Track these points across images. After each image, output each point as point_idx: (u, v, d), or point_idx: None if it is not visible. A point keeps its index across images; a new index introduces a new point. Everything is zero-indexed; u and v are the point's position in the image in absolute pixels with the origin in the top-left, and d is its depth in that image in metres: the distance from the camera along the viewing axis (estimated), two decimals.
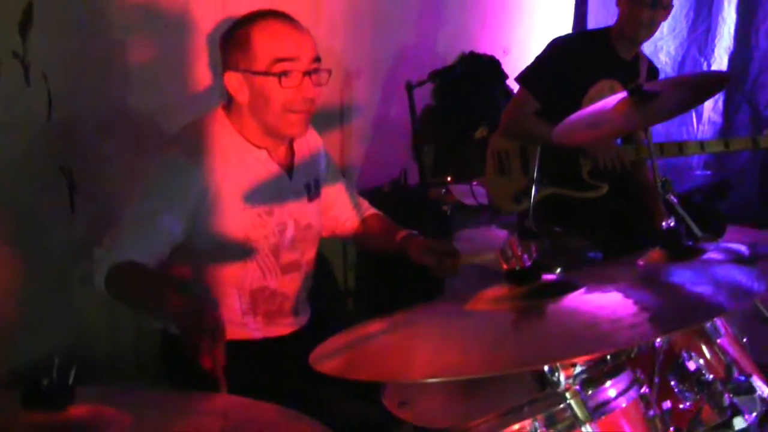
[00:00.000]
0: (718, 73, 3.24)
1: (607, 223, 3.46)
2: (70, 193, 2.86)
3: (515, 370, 1.05)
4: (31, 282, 2.80)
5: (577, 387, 1.11)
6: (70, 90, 2.80)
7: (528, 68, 3.67)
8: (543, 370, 1.12)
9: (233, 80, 2.21)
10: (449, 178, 4.38)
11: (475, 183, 4.08)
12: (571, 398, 1.11)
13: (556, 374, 1.11)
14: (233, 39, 2.21)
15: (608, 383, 1.30)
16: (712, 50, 5.60)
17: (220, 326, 1.90)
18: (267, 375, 2.15)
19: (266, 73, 2.14)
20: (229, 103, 2.29)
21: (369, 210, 2.73)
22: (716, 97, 5.58)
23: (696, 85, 2.40)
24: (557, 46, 3.61)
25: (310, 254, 2.49)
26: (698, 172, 5.68)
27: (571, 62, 3.50)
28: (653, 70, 3.70)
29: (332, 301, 3.23)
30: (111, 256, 2.09)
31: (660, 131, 5.78)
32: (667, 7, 3.45)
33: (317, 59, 2.21)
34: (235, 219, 2.25)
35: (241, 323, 2.34)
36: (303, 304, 2.51)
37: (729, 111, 5.62)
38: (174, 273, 2.28)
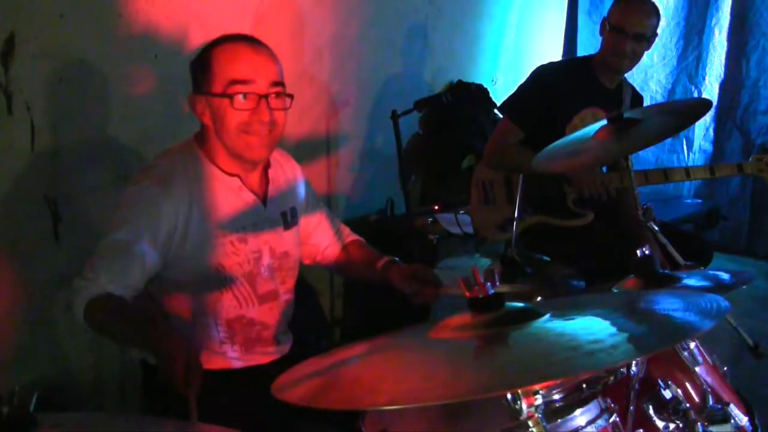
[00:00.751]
0: (701, 100, 3.23)
1: (593, 251, 3.44)
2: (54, 223, 2.87)
3: (473, 397, 1.04)
4: (14, 311, 2.80)
5: (539, 415, 1.10)
6: (53, 120, 2.81)
7: (511, 97, 3.67)
8: (506, 398, 1.10)
9: (197, 103, 2.23)
10: (436, 207, 4.39)
11: (461, 212, 4.08)
12: (533, 427, 1.10)
13: (518, 403, 1.09)
14: (198, 61, 2.23)
15: (577, 412, 1.29)
16: (703, 78, 5.64)
17: (195, 356, 1.90)
18: (246, 404, 2.14)
19: (222, 95, 2.15)
20: (201, 132, 2.30)
21: (350, 237, 2.73)
22: (707, 125, 5.63)
23: (678, 112, 2.40)
24: (540, 74, 3.61)
25: (290, 283, 2.47)
26: (688, 201, 5.69)
27: (554, 91, 3.49)
28: (637, 98, 3.70)
29: (317, 330, 3.21)
30: (89, 288, 2.08)
31: (650, 159, 5.82)
32: (650, 39, 3.45)
33: (278, 83, 2.20)
34: (208, 247, 2.23)
35: (220, 352, 2.32)
36: (284, 333, 2.49)
37: (720, 139, 5.65)
38: (149, 305, 2.28)
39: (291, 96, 2.24)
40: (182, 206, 2.18)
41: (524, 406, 1.09)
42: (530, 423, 1.10)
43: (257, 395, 2.19)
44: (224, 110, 2.16)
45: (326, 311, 4.10)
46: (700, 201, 5.65)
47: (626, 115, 2.32)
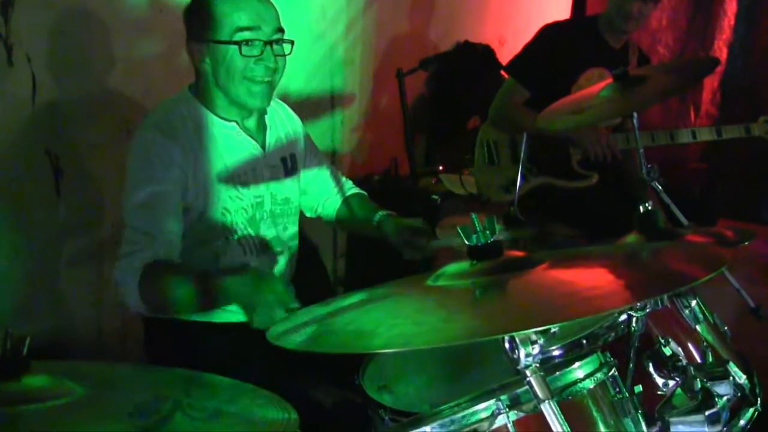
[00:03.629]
0: (708, 58, 3.21)
1: (597, 212, 3.43)
2: (55, 177, 2.85)
3: (464, 341, 1.04)
4: (16, 264, 2.79)
5: (537, 364, 1.09)
6: (55, 72, 2.78)
7: (517, 57, 3.65)
8: (504, 349, 1.10)
9: (197, 50, 2.21)
10: (440, 168, 4.37)
11: (466, 173, 4.06)
12: (531, 376, 1.10)
13: (516, 352, 1.09)
14: (196, 9, 2.22)
15: (576, 365, 1.29)
16: (712, 43, 5.57)
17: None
18: (247, 358, 2.14)
19: (228, 42, 2.15)
20: (197, 81, 2.30)
21: (351, 190, 2.73)
22: (714, 90, 5.58)
23: (684, 70, 2.37)
24: (546, 34, 3.58)
25: (291, 230, 2.48)
26: (694, 165, 5.66)
27: (560, 50, 3.48)
28: (644, 58, 3.67)
29: (320, 288, 3.20)
30: (134, 264, 2.03)
31: (656, 123, 5.78)
32: (657, 1, 3.41)
33: (280, 29, 2.21)
34: (213, 192, 2.24)
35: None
36: (287, 283, 2.49)
37: (727, 104, 5.60)
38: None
39: (292, 42, 2.25)
40: (188, 153, 2.19)
41: (522, 355, 1.08)
42: (528, 372, 1.09)
43: (258, 348, 2.21)
44: (230, 57, 2.16)
45: (329, 271, 4.10)
46: (704, 165, 5.62)
47: (631, 72, 2.29)
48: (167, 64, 3.10)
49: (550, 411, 1.11)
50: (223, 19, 2.15)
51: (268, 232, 2.38)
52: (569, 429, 1.11)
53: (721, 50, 5.56)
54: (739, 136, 3.56)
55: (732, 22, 5.50)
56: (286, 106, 2.57)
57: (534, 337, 1.07)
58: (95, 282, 2.97)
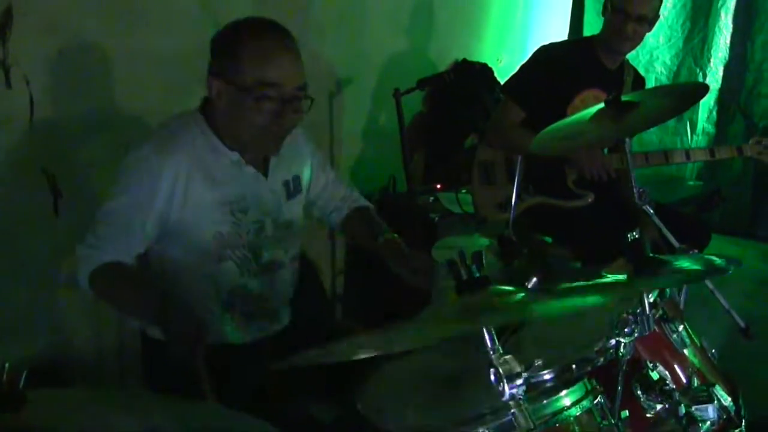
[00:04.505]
0: (698, 84, 3.25)
1: (592, 232, 3.45)
2: (53, 197, 2.87)
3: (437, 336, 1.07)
4: (14, 285, 2.82)
5: (521, 397, 1.12)
6: (53, 93, 2.81)
7: (513, 77, 3.68)
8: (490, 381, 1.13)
9: (216, 86, 2.19)
10: (438, 186, 4.40)
11: (462, 191, 4.09)
12: (515, 408, 1.12)
13: (501, 384, 1.12)
14: (225, 46, 2.19)
15: (562, 393, 1.32)
16: (708, 60, 5.61)
17: (204, 331, 1.93)
18: (244, 378, 2.17)
19: (248, 92, 2.11)
20: (209, 106, 2.28)
21: (357, 202, 2.73)
22: (711, 107, 5.62)
23: (675, 95, 2.40)
24: (542, 54, 3.61)
25: (293, 251, 2.49)
26: (690, 183, 5.70)
27: (556, 71, 3.50)
28: (639, 79, 3.70)
29: (318, 306, 3.22)
30: (92, 257, 2.14)
31: (654, 141, 5.82)
32: (652, 21, 3.44)
33: (302, 87, 2.19)
34: (207, 216, 2.25)
35: (220, 324, 2.34)
36: (284, 306, 2.52)
37: (723, 122, 5.64)
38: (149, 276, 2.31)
39: (312, 99, 2.23)
40: (181, 173, 2.19)
41: (506, 388, 1.11)
42: (512, 404, 1.12)
43: (255, 371, 2.24)
44: (246, 106, 2.14)
45: (327, 288, 4.12)
46: (701, 183, 5.66)
47: (624, 98, 2.32)
48: (165, 84, 3.12)
49: None
50: (248, 68, 2.11)
51: (269, 254, 2.39)
52: None
53: (717, 68, 5.60)
54: (731, 156, 3.59)
55: (728, 41, 5.54)
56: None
57: (518, 369, 1.10)
58: (94, 301, 2.98)
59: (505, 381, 1.10)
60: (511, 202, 3.54)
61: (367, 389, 1.96)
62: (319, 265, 3.88)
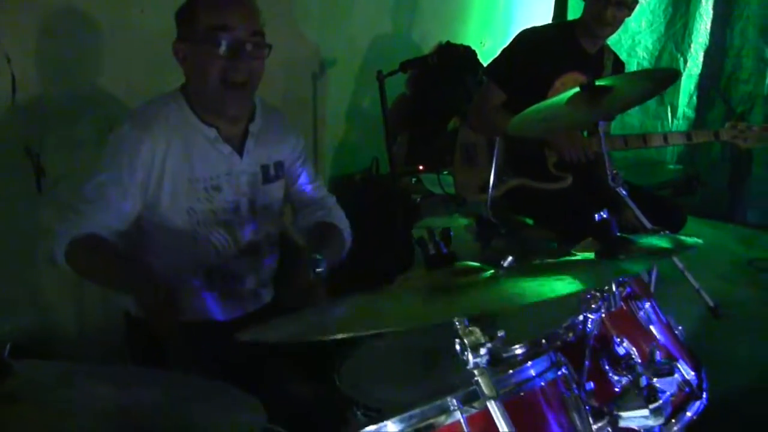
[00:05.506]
0: (670, 70, 3.32)
1: (571, 213, 3.50)
2: (36, 176, 2.89)
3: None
4: None
5: (484, 366, 1.18)
6: (36, 72, 2.83)
7: (494, 60, 3.73)
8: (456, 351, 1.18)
9: (181, 50, 2.27)
10: (420, 168, 4.44)
11: (444, 173, 4.14)
12: (479, 376, 1.18)
13: (465, 354, 1.17)
14: (183, 9, 2.28)
15: (528, 363, 1.37)
16: (689, 46, 5.70)
17: (173, 300, 2.01)
18: (224, 355, 2.20)
19: (203, 41, 2.19)
20: (186, 83, 2.35)
21: (329, 215, 2.69)
22: (691, 92, 5.70)
23: (647, 80, 2.46)
24: (523, 38, 3.66)
25: (273, 235, 2.54)
26: (670, 166, 5.77)
27: (537, 54, 3.55)
28: (619, 63, 3.76)
29: (299, 286, 3.26)
30: (70, 230, 2.17)
31: (635, 125, 5.89)
32: (631, 7, 3.49)
33: (258, 33, 2.25)
34: (181, 192, 2.30)
35: (197, 302, 2.39)
36: (265, 286, 2.56)
37: (703, 107, 5.73)
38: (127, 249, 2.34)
39: (270, 46, 2.28)
40: (159, 149, 2.24)
41: (470, 358, 1.17)
42: (476, 372, 1.17)
43: (235, 346, 2.28)
44: (204, 56, 2.20)
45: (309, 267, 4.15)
46: (680, 167, 5.73)
47: (598, 82, 2.38)
48: (150, 63, 3.13)
49: (495, 409, 1.19)
50: (201, 18, 2.20)
51: (247, 235, 2.43)
52: (513, 428, 1.19)
53: (697, 54, 5.67)
54: (708, 140, 3.65)
55: (708, 27, 5.61)
56: (281, 114, 2.60)
57: (482, 340, 1.16)
58: (76, 279, 3.01)
59: (469, 351, 1.16)
60: (493, 184, 3.61)
61: (346, 365, 2.02)
62: (299, 243, 3.91)
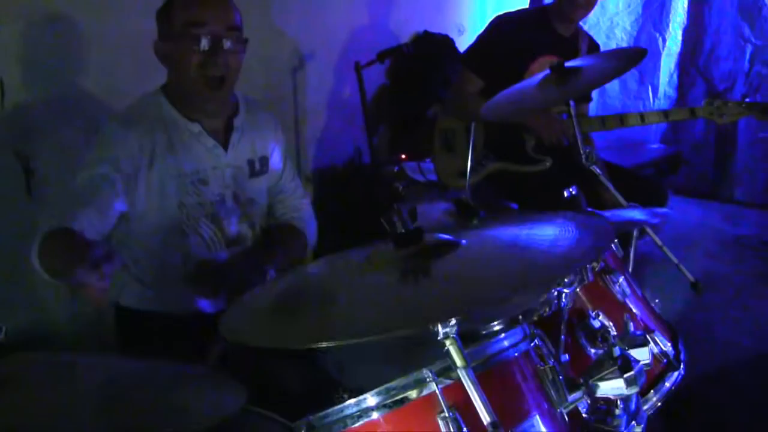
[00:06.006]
0: (636, 48, 3.38)
1: (551, 195, 3.55)
2: (26, 178, 2.94)
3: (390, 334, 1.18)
4: None
5: (454, 336, 1.23)
6: (24, 77, 2.88)
7: (470, 48, 3.78)
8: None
9: (160, 49, 2.34)
10: (403, 156, 4.49)
11: (427, 160, 4.19)
12: (450, 346, 1.24)
13: (436, 325, 1.23)
14: (161, 9, 2.34)
15: (501, 335, 1.43)
16: (667, 25, 5.74)
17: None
18: (208, 345, 2.25)
19: (180, 37, 2.25)
20: (167, 81, 2.41)
21: (287, 215, 2.73)
22: (671, 71, 5.74)
23: (614, 60, 2.52)
24: (497, 24, 3.71)
25: (259, 227, 2.58)
26: (653, 146, 5.82)
27: (511, 40, 3.60)
28: (594, 46, 3.80)
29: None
30: (42, 228, 2.06)
31: (616, 106, 5.93)
32: None
33: (233, 28, 2.30)
34: (170, 186, 2.35)
35: (187, 294, 2.43)
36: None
37: (684, 85, 5.77)
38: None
39: (246, 40, 2.34)
40: (145, 144, 2.30)
41: (440, 328, 1.23)
42: (447, 342, 1.23)
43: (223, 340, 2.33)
44: (182, 53, 2.26)
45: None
46: (663, 146, 5.79)
47: (567, 64, 2.44)
48: (134, 65, 3.16)
49: (466, 377, 1.24)
50: (178, 16, 2.26)
51: (234, 228, 2.48)
52: (486, 398, 1.24)
53: (675, 33, 5.71)
54: (684, 118, 3.70)
55: (686, 6, 5.65)
56: (267, 112, 2.65)
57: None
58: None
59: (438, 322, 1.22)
60: (474, 169, 3.66)
61: (330, 348, 2.08)
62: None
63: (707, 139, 5.71)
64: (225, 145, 2.45)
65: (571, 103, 2.45)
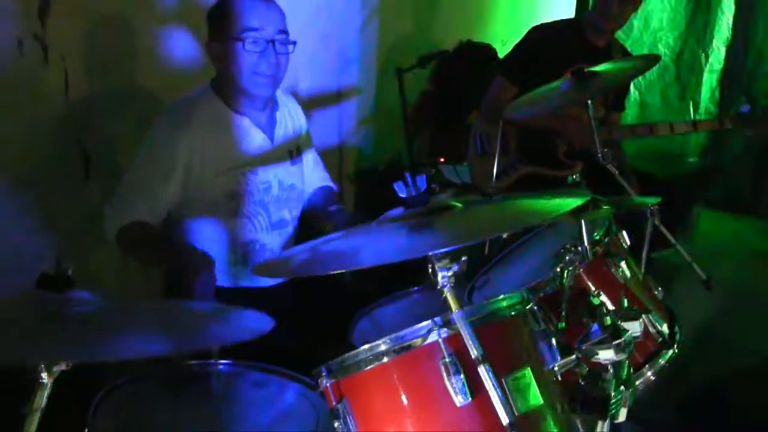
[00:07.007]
0: (651, 55, 3.54)
1: None
2: (84, 164, 3.16)
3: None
4: (49, 241, 3.08)
5: (451, 285, 1.42)
6: (86, 70, 3.09)
7: (507, 56, 3.95)
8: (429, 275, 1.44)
9: (215, 48, 2.60)
10: (441, 160, 4.66)
11: (464, 164, 4.35)
12: (447, 293, 1.43)
13: (436, 275, 1.43)
14: (216, 13, 2.60)
15: (500, 297, 1.61)
16: (710, 42, 5.76)
17: (210, 264, 2.29)
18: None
19: (238, 39, 2.51)
20: (216, 77, 2.66)
21: (320, 183, 3.04)
22: (713, 87, 5.78)
23: (629, 64, 2.69)
24: (533, 34, 3.87)
25: (296, 212, 2.83)
26: (690, 159, 5.88)
27: (546, 49, 3.75)
28: (627, 56, 3.94)
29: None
30: (119, 217, 2.49)
31: (656, 120, 5.99)
32: (636, 2, 3.69)
33: (283, 31, 2.57)
34: (222, 177, 2.59)
35: (233, 272, 2.68)
36: None
37: (726, 102, 5.79)
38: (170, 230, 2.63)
39: (294, 42, 2.60)
40: (197, 143, 2.54)
41: (439, 277, 1.42)
42: (445, 290, 1.42)
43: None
44: (238, 52, 2.51)
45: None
46: (699, 159, 5.84)
47: (586, 70, 2.62)
48: (184, 62, 3.41)
49: (461, 320, 1.43)
50: (234, 20, 2.51)
51: (277, 213, 2.72)
52: (482, 351, 1.43)
53: (719, 49, 5.74)
54: (713, 128, 3.82)
55: (730, 22, 5.68)
56: (296, 103, 2.92)
57: (449, 263, 1.41)
58: (121, 258, 3.24)
59: (438, 271, 1.42)
60: (504, 171, 3.82)
61: (359, 324, 2.28)
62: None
63: (746, 153, 5.73)
64: (271, 137, 2.68)
65: (589, 104, 2.61)
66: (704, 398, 3.23)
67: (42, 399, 1.35)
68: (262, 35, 2.51)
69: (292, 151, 2.79)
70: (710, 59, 5.79)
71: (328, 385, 1.60)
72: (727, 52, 5.73)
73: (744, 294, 4.17)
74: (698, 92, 5.86)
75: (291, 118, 2.82)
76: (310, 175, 2.96)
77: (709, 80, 5.82)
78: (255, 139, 2.65)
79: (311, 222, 2.91)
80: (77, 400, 1.71)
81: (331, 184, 3.06)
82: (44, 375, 1.34)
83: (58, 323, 1.39)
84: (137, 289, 3.34)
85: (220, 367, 1.98)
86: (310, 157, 2.96)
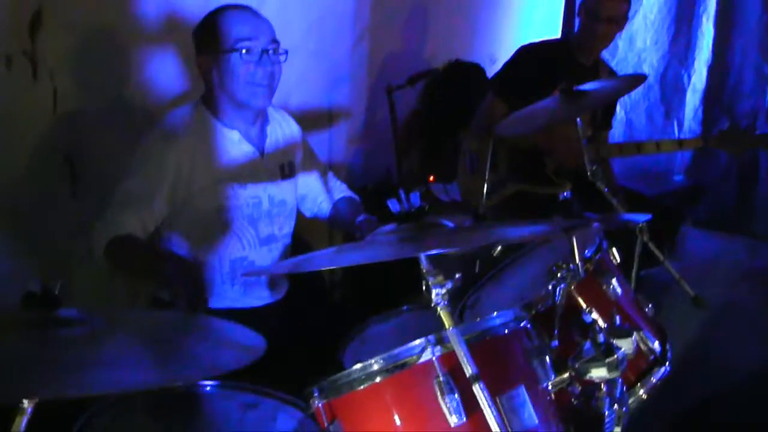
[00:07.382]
0: (636, 75, 3.60)
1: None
2: (72, 181, 3.14)
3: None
4: (33, 258, 3.08)
5: (445, 303, 1.42)
6: (74, 86, 3.08)
7: (496, 74, 3.98)
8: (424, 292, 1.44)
9: (205, 62, 2.59)
10: (431, 178, 4.66)
11: (455, 182, 4.36)
12: (441, 310, 1.43)
13: (430, 292, 1.42)
14: (205, 27, 2.59)
15: (495, 314, 1.61)
16: (692, 62, 5.85)
17: (200, 271, 2.31)
18: None
19: (232, 50, 2.51)
20: (206, 92, 2.65)
21: (343, 193, 3.06)
22: (696, 107, 5.85)
23: (616, 83, 2.72)
24: (522, 54, 3.91)
25: (287, 229, 2.81)
26: (676, 177, 5.93)
27: (536, 68, 3.80)
28: (614, 75, 3.98)
29: (314, 287, 3.46)
30: (108, 230, 2.44)
31: (642, 138, 6.05)
32: (621, 23, 3.74)
33: (274, 40, 2.57)
34: (211, 192, 2.58)
35: (220, 292, 2.65)
36: (280, 278, 2.82)
37: (708, 121, 5.86)
38: (158, 244, 2.62)
39: (286, 51, 2.60)
40: (186, 157, 2.53)
41: (433, 295, 1.42)
42: (439, 308, 1.42)
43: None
44: (233, 63, 2.51)
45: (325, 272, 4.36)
46: (685, 178, 5.89)
47: (575, 88, 2.65)
48: (173, 78, 3.41)
49: (455, 338, 1.43)
50: (227, 33, 2.52)
51: (266, 229, 2.71)
52: (477, 369, 1.42)
53: (700, 70, 5.82)
54: (697, 146, 3.86)
55: (710, 44, 5.75)
56: (288, 116, 2.91)
57: (443, 280, 1.41)
58: (106, 278, 3.19)
59: (432, 288, 1.41)
60: (493, 189, 3.84)
61: (350, 346, 2.27)
62: (316, 247, 4.09)
63: (730, 172, 5.79)
64: (261, 151, 2.66)
65: (578, 122, 2.64)
66: (693, 416, 3.24)
67: (20, 425, 1.31)
68: (256, 45, 2.52)
69: (283, 165, 2.76)
70: (693, 79, 5.87)
71: (320, 405, 1.59)
72: (709, 72, 5.80)
73: (731, 311, 4.19)
74: (682, 111, 5.94)
75: (283, 132, 2.81)
76: (321, 187, 2.98)
77: (692, 100, 5.91)
78: (245, 152, 2.64)
79: (345, 230, 2.96)
80: (59, 425, 1.67)
81: (352, 194, 3.06)
82: (24, 400, 1.30)
83: (41, 349, 1.37)
84: (123, 304, 3.30)
85: (208, 388, 1.93)
86: (318, 171, 2.98)
